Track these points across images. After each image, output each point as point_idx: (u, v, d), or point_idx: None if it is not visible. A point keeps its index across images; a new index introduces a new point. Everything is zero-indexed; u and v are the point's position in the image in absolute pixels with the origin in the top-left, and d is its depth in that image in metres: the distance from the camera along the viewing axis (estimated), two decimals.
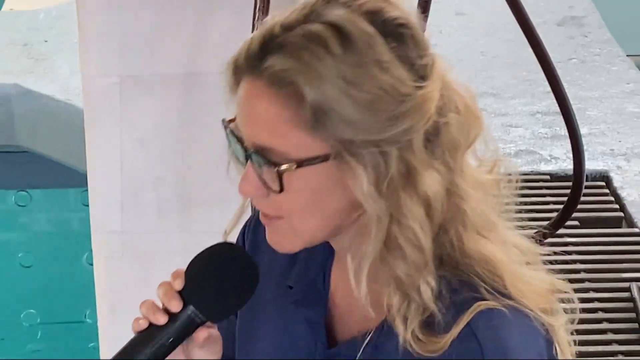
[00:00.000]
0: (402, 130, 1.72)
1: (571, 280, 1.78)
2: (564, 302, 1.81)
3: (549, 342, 1.81)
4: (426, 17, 2.38)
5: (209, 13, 3.07)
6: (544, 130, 3.51)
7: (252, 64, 1.70)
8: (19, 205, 5.01)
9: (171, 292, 1.78)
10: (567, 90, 3.21)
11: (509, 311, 1.75)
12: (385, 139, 1.73)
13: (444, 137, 1.76)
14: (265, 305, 2.02)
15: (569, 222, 3.58)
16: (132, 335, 1.82)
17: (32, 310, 5.32)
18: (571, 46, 4.88)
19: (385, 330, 1.81)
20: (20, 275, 5.21)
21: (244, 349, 2.08)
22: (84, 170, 4.11)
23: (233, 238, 1.93)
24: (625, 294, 3.58)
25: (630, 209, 4.03)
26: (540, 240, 1.87)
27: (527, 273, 1.81)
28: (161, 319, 1.77)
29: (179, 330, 1.78)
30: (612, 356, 3.37)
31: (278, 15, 1.74)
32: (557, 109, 3.13)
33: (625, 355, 3.41)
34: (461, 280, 1.78)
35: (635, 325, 3.49)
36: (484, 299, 1.74)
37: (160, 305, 1.77)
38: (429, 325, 1.74)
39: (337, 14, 1.74)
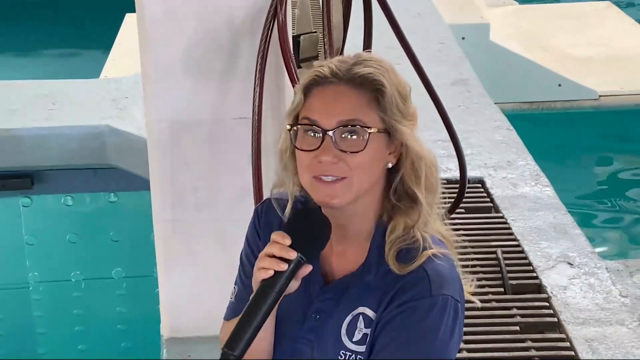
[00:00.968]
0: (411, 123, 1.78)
1: (459, 247, 1.83)
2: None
3: (459, 278, 1.83)
4: None
5: None
6: (442, 151, 3.55)
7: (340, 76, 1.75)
8: (110, 202, 4.93)
9: (285, 247, 1.72)
10: (455, 126, 3.27)
11: (443, 256, 1.78)
12: (404, 126, 1.77)
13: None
14: None
15: (458, 209, 3.62)
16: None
17: (119, 268, 5.07)
18: (460, 98, 4.92)
19: (364, 267, 1.81)
20: (111, 245, 5.08)
21: None
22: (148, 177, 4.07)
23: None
24: (494, 255, 3.56)
25: (496, 201, 4.05)
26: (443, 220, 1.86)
27: (449, 235, 1.85)
28: (283, 266, 1.72)
29: (293, 270, 1.74)
30: (484, 295, 3.34)
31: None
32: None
33: (493, 295, 3.39)
34: (424, 238, 1.78)
35: (500, 275, 3.47)
36: (430, 246, 1.77)
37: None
38: (398, 257, 1.77)
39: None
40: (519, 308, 3.31)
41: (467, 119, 4.68)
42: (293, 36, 2.99)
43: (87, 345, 5.18)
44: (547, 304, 3.33)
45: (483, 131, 4.64)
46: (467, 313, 1.82)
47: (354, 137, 1.70)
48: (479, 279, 3.47)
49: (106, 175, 4.67)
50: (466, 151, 3.56)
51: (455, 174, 3.28)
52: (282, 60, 2.86)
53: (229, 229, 3.16)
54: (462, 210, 3.87)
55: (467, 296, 1.84)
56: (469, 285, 1.85)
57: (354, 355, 1.81)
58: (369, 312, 1.78)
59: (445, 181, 1.88)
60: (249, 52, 2.89)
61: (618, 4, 8.49)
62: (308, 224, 1.77)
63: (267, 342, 1.90)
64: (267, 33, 2.80)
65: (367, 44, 3.10)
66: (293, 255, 1.71)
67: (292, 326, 1.90)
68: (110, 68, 6.09)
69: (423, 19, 6.08)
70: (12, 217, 4.90)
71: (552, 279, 3.47)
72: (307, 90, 1.75)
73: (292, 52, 2.85)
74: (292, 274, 1.73)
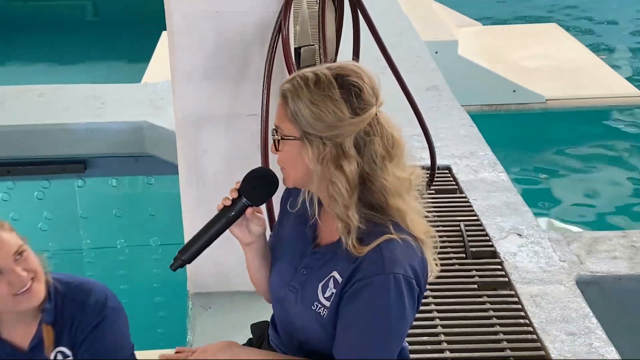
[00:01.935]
0: (334, 134, 1.75)
1: (430, 221, 1.85)
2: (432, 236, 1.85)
3: (423, 259, 1.84)
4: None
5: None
6: (417, 144, 3.55)
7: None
8: (148, 184, 4.92)
9: (234, 190, 1.88)
10: (428, 123, 3.25)
11: (402, 240, 1.80)
12: (324, 136, 1.73)
13: (369, 147, 1.76)
14: (287, 226, 2.03)
15: (429, 191, 3.59)
16: None
17: (155, 237, 5.08)
18: (432, 101, 4.90)
19: (339, 240, 1.83)
20: (149, 218, 5.09)
21: (274, 250, 2.06)
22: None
23: None
24: (457, 227, 3.56)
25: (461, 184, 4.03)
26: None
27: (418, 219, 1.84)
28: (227, 202, 1.88)
29: (238, 209, 1.88)
30: (449, 259, 3.34)
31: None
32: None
33: (457, 259, 3.38)
34: (382, 221, 1.79)
35: (462, 243, 3.47)
36: (390, 233, 1.77)
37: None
38: (360, 240, 1.77)
39: (320, 69, 1.78)
40: (477, 270, 3.30)
41: (437, 118, 4.65)
42: (295, 48, 2.97)
43: (129, 300, 5.17)
44: (500, 267, 3.32)
45: (451, 128, 4.62)
46: (436, 274, 1.83)
47: (276, 139, 1.80)
48: (445, 247, 3.48)
49: (144, 162, 4.65)
50: (436, 144, 3.52)
51: (427, 162, 3.26)
52: (285, 67, 2.85)
53: None
54: (433, 191, 3.85)
55: (432, 268, 1.84)
56: (432, 262, 1.84)
57: (322, 308, 1.83)
58: (338, 277, 1.81)
59: (420, 167, 1.88)
60: (258, 60, 2.87)
61: (562, 26, 8.49)
62: (259, 180, 1.89)
63: (263, 276, 2.03)
64: (273, 45, 2.78)
65: (356, 55, 3.07)
66: (235, 195, 1.86)
67: (286, 275, 1.95)
68: (149, 75, 6.09)
69: (403, 36, 6.04)
70: (68, 195, 4.91)
71: (504, 247, 3.46)
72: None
73: (294, 61, 2.83)
74: (238, 211, 1.87)
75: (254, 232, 1.92)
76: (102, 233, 5.08)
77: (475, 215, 3.73)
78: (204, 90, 2.96)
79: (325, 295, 1.82)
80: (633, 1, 11.40)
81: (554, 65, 7.22)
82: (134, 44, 8.45)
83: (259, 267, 2.02)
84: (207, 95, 2.97)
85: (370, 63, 1.94)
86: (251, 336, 2.26)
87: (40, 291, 2.13)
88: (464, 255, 3.41)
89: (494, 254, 3.42)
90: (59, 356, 2.22)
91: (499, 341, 2.88)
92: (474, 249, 3.43)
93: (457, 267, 3.34)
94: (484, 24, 8.51)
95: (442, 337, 2.91)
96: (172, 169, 4.47)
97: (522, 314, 3.02)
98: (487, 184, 4.04)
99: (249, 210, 1.87)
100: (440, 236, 2.14)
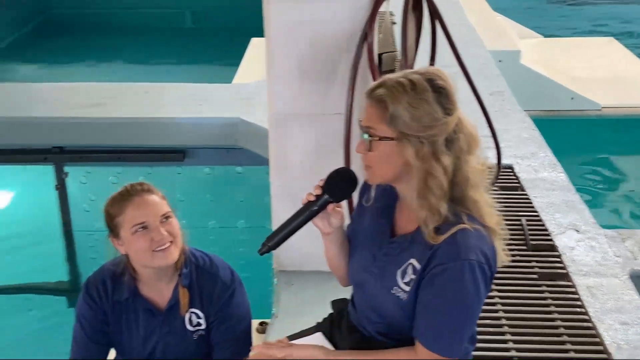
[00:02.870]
0: (430, 134, 1.73)
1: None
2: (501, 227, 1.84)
3: (494, 248, 1.82)
4: None
5: None
6: (483, 144, 3.42)
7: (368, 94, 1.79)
8: (238, 173, 4.98)
9: (317, 187, 1.89)
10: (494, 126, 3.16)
11: (474, 230, 1.79)
12: (421, 135, 1.73)
13: (456, 144, 1.76)
14: (365, 218, 2.01)
15: (493, 188, 3.53)
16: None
17: (242, 220, 5.14)
18: (496, 105, 4.82)
19: (417, 230, 1.82)
20: (237, 203, 5.15)
21: (353, 238, 2.05)
22: (267, 157, 4.05)
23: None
24: (519, 223, 3.49)
25: (522, 182, 3.95)
26: None
27: (490, 210, 1.83)
28: (312, 198, 1.89)
29: (321, 203, 1.89)
30: (511, 252, 3.27)
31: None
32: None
33: (518, 252, 3.31)
34: (457, 212, 1.78)
35: (523, 237, 3.40)
36: (464, 223, 1.75)
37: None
38: (437, 230, 1.75)
39: (410, 75, 1.77)
40: (537, 262, 3.21)
41: (501, 121, 4.56)
42: (377, 54, 2.97)
43: None
44: (558, 259, 3.23)
45: (514, 130, 4.54)
46: (498, 266, 1.80)
47: (368, 139, 1.76)
48: (507, 240, 3.42)
49: (236, 154, 4.69)
50: (501, 144, 3.47)
51: (493, 161, 3.22)
52: (369, 71, 2.84)
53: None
54: (497, 188, 3.80)
55: (502, 257, 1.81)
56: (502, 251, 1.82)
57: (402, 292, 1.83)
58: (416, 264, 1.82)
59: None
60: (345, 64, 2.87)
61: (618, 40, 8.26)
62: (340, 178, 1.88)
63: (340, 262, 2.03)
64: (359, 51, 2.78)
65: (432, 61, 3.05)
66: (319, 192, 1.87)
67: (366, 261, 1.95)
68: (240, 77, 6.15)
69: (469, 45, 5.94)
70: (169, 181, 5.01)
71: (563, 241, 3.37)
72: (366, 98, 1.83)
73: (376, 65, 2.83)
74: (320, 206, 1.88)
75: (334, 224, 1.93)
76: (196, 215, 5.15)
77: (535, 212, 3.62)
78: (295, 90, 2.98)
79: (405, 281, 1.82)
80: None
81: (610, 76, 7.02)
82: (226, 48, 8.56)
83: (336, 254, 2.04)
84: (297, 95, 2.99)
85: (443, 69, 1.93)
86: (331, 311, 2.27)
87: (174, 254, 2.18)
88: (524, 247, 3.31)
89: (553, 248, 3.31)
90: (193, 317, 2.27)
91: (556, 327, 2.81)
92: (534, 242, 3.33)
93: (518, 258, 3.23)
94: (544, 37, 8.33)
95: (504, 322, 2.86)
96: (259, 160, 4.52)
97: (579, 303, 2.93)
98: (547, 182, 3.94)
99: (330, 206, 1.88)
100: (503, 230, 2.13)
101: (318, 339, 2.18)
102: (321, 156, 3.12)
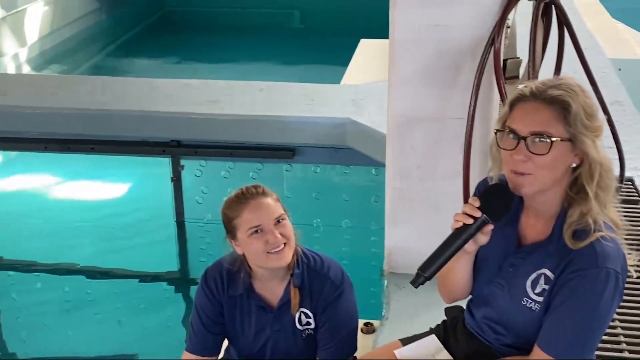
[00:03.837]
0: (597, 134, 1.71)
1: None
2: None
3: (625, 259, 1.79)
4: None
5: None
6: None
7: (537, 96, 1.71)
8: (345, 173, 5.01)
9: (473, 208, 1.76)
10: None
11: (611, 239, 1.76)
12: (590, 134, 1.71)
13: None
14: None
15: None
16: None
17: (347, 220, 5.14)
18: (616, 115, 4.63)
19: (549, 239, 1.78)
20: (342, 203, 5.09)
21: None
22: (375, 158, 4.00)
23: None
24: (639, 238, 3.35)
25: None
26: None
27: (618, 221, 1.80)
28: (470, 220, 1.76)
29: (479, 225, 1.77)
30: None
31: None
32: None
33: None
34: (596, 222, 1.75)
35: None
36: (602, 231, 1.73)
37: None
38: (574, 236, 1.74)
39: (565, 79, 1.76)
40: None
41: (621, 132, 4.41)
42: (502, 59, 2.93)
43: None
44: None
45: (634, 141, 4.35)
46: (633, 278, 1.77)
47: (541, 143, 1.68)
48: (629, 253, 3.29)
49: (344, 154, 4.71)
50: None
51: (616, 172, 3.10)
52: (494, 77, 2.81)
53: (440, 198, 3.14)
54: (617, 201, 3.66)
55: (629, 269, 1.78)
56: (631, 261, 1.79)
57: (534, 303, 1.79)
58: (549, 273, 1.77)
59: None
60: (469, 69, 2.85)
61: None
62: (495, 196, 1.77)
63: (462, 278, 1.96)
64: (485, 56, 2.75)
65: (558, 69, 2.98)
66: (478, 214, 1.73)
67: (490, 273, 1.91)
68: (348, 77, 6.17)
69: (589, 52, 5.74)
70: (277, 177, 5.08)
71: None
72: (512, 105, 1.74)
73: (502, 71, 2.80)
74: (477, 228, 1.75)
75: (480, 242, 1.81)
76: (302, 212, 5.21)
77: None
78: (417, 93, 2.99)
79: (536, 292, 1.79)
80: None
81: None
82: (334, 49, 8.62)
83: (464, 272, 1.99)
84: (419, 98, 3.00)
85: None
86: (445, 318, 2.25)
87: (288, 256, 2.25)
88: None
89: None
90: (302, 316, 2.32)
91: None
92: None
93: (637, 274, 3.14)
94: None
95: (622, 338, 2.77)
96: (366, 161, 4.53)
97: None
98: None
99: (488, 227, 1.76)
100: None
101: (432, 341, 2.17)
102: (438, 160, 3.11)
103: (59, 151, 4.87)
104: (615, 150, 3.19)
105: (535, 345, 1.77)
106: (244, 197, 2.25)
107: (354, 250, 5.20)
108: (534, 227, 1.84)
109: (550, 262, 1.77)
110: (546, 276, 1.78)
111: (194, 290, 2.42)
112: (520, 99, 1.73)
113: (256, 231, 2.20)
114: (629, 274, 1.78)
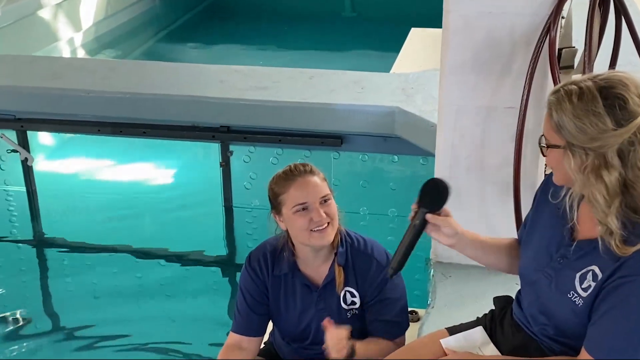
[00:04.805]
0: (597, 145, 1.66)
1: None
2: None
3: None
4: None
5: None
6: None
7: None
8: (393, 162, 4.99)
9: (415, 205, 2.00)
10: None
11: None
12: (587, 147, 1.61)
13: (633, 156, 1.66)
14: (544, 213, 1.98)
15: None
16: None
17: (393, 209, 5.12)
18: None
19: (601, 240, 1.77)
20: (389, 191, 5.09)
21: (528, 233, 2.03)
22: (423, 147, 3.96)
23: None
24: None
25: None
26: None
27: None
28: (412, 214, 2.01)
29: (420, 217, 1.99)
30: None
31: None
32: None
33: None
34: None
35: None
36: None
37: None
38: (625, 241, 1.66)
39: (585, 81, 1.65)
40: None
41: None
42: (557, 48, 2.88)
43: None
44: None
45: None
46: None
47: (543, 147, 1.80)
48: None
49: (392, 142, 4.69)
50: None
51: None
52: (548, 66, 2.76)
53: (489, 189, 3.12)
54: None
55: None
56: None
57: (578, 298, 1.78)
58: (598, 271, 1.77)
59: None
60: (522, 58, 2.82)
61: None
62: (431, 187, 1.98)
63: (493, 262, 2.10)
64: (540, 45, 2.71)
65: (614, 59, 2.91)
66: (415, 207, 1.98)
67: (541, 262, 1.91)
68: (398, 66, 6.13)
69: None
70: (325, 165, 5.06)
71: None
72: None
73: (556, 60, 2.75)
74: (421, 219, 1.97)
75: (447, 233, 1.99)
76: (349, 200, 5.19)
77: None
78: (469, 82, 2.98)
79: (583, 287, 1.79)
80: None
81: None
82: (384, 37, 8.57)
83: (481, 257, 2.07)
84: (471, 87, 2.98)
85: (625, 68, 1.86)
86: (493, 308, 2.24)
87: (331, 235, 2.28)
88: None
89: None
90: (348, 295, 2.35)
91: None
92: None
93: None
94: None
95: None
96: (415, 150, 4.51)
97: None
98: None
99: (428, 216, 1.95)
100: None
101: (479, 332, 2.17)
102: (488, 150, 3.09)
103: (111, 134, 4.97)
104: None
105: (583, 348, 1.77)
106: (292, 174, 2.29)
107: (400, 239, 5.16)
108: (589, 223, 1.84)
109: (601, 260, 1.77)
110: (594, 273, 1.78)
111: (240, 275, 2.45)
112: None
113: (302, 208, 2.24)
114: None
